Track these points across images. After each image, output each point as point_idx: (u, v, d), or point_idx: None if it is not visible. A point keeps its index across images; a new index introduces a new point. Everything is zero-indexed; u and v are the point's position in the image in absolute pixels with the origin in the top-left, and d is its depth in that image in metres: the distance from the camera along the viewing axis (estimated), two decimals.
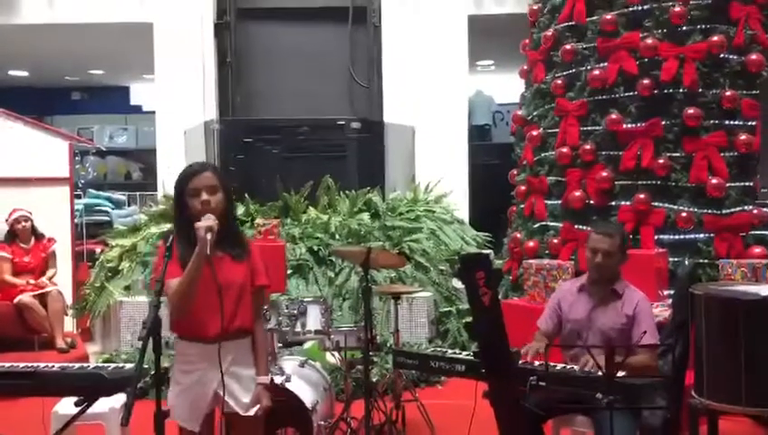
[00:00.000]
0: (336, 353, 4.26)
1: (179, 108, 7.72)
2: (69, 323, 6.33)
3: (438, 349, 4.10)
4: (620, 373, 2.58)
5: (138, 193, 11.28)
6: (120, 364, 2.90)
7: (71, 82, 12.85)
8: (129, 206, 10.94)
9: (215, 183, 2.55)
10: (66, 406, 3.12)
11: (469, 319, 5.73)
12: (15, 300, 5.77)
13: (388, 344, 5.12)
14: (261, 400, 2.59)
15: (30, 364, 2.80)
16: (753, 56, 5.26)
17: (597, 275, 3.21)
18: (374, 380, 4.55)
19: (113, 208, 10.30)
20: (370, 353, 4.08)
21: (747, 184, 5.26)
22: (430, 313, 5.92)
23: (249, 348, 2.62)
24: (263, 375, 2.61)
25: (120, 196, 10.93)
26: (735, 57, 5.30)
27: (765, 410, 3.80)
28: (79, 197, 9.41)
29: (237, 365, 2.58)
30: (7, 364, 2.87)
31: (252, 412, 2.57)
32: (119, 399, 3.11)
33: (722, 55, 5.27)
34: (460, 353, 3.14)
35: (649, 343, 3.03)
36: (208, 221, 2.45)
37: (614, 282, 3.19)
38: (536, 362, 2.89)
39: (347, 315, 5.60)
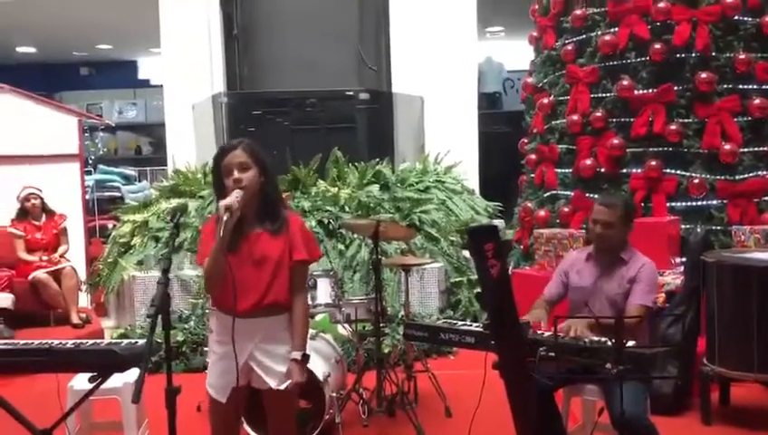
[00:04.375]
0: (347, 326, 4.29)
1: (187, 81, 7.69)
2: (83, 299, 6.39)
3: (449, 320, 4.12)
4: (630, 343, 2.58)
5: (148, 168, 11.32)
6: (134, 340, 2.92)
7: (78, 57, 12.82)
8: (139, 181, 10.98)
9: (245, 159, 2.54)
10: (81, 381, 3.16)
11: (480, 289, 5.74)
12: (30, 277, 5.83)
13: (399, 316, 5.14)
14: (292, 375, 2.55)
15: (44, 341, 2.83)
16: None
17: (599, 244, 3.27)
18: (385, 351, 4.58)
19: (124, 184, 10.35)
20: (381, 325, 4.11)
21: (761, 149, 5.20)
22: (441, 283, 5.93)
23: (285, 325, 2.58)
24: (297, 350, 2.56)
25: (130, 171, 10.97)
26: (750, 19, 5.19)
27: None
28: (90, 173, 9.45)
29: (269, 342, 2.56)
30: (22, 342, 2.91)
31: (282, 387, 2.55)
32: (133, 374, 3.14)
33: (736, 17, 5.17)
34: (471, 325, 3.13)
35: (642, 299, 3.11)
36: (229, 199, 2.45)
37: (620, 250, 3.22)
38: (544, 333, 2.88)
39: (357, 288, 5.61)
